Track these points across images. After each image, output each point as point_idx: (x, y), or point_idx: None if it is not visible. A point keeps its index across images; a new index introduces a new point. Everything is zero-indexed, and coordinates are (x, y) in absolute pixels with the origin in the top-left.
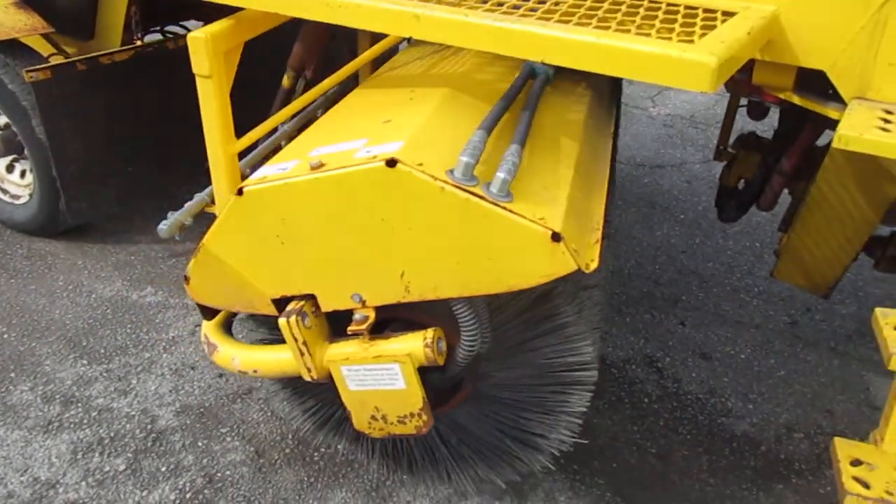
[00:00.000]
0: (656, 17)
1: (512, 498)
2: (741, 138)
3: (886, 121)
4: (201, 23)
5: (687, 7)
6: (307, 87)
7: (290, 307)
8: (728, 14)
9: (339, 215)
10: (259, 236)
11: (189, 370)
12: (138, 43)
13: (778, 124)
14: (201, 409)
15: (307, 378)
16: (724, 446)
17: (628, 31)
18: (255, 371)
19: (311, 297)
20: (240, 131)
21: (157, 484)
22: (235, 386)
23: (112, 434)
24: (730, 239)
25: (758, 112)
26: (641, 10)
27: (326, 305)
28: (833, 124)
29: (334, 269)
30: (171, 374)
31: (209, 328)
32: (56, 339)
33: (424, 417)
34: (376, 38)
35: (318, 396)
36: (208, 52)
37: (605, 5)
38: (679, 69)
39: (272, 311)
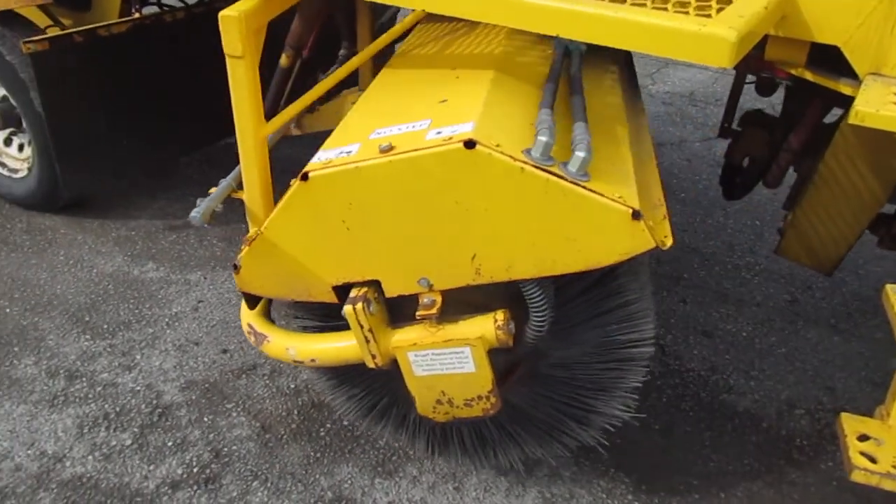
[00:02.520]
0: None
1: (516, 473)
2: (747, 115)
3: None
4: None
5: None
6: (304, 66)
7: (353, 294)
8: None
9: (412, 198)
10: (324, 222)
11: (193, 346)
12: (136, 15)
13: (784, 101)
14: (206, 385)
15: (371, 365)
16: (726, 422)
17: (644, 5)
18: (312, 360)
19: (374, 283)
20: None
21: (164, 458)
22: (240, 362)
23: (118, 409)
24: (730, 217)
25: (766, 88)
26: None
27: (391, 291)
28: (842, 101)
29: (402, 253)
30: (174, 350)
31: (255, 318)
32: (59, 314)
33: (493, 399)
34: (376, 17)
35: (365, 384)
36: (241, 31)
37: None
38: (698, 44)
39: (331, 298)
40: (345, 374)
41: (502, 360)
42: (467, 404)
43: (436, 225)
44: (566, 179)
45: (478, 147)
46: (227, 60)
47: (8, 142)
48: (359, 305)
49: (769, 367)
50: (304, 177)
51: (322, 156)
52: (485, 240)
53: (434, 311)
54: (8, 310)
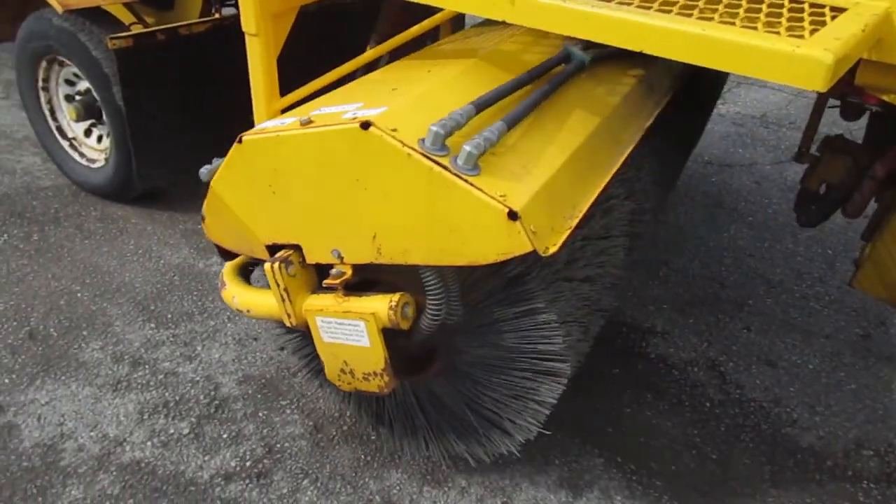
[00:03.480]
0: (760, 10)
1: (567, 492)
2: (828, 140)
3: None
4: None
5: (792, 1)
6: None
7: (277, 255)
8: (837, 10)
9: (321, 171)
10: (255, 184)
11: (252, 341)
12: (216, 16)
13: (869, 127)
14: (263, 380)
15: (287, 324)
16: (788, 458)
17: (732, 24)
18: (248, 311)
19: (298, 248)
20: None
21: (219, 450)
22: (296, 360)
23: (177, 398)
24: (800, 244)
25: (852, 113)
26: (744, 3)
27: (310, 257)
28: None
29: (317, 223)
30: (234, 344)
31: (226, 268)
32: (126, 301)
33: (386, 378)
34: (457, 23)
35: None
36: (255, 11)
37: None
38: (790, 65)
39: (266, 256)
40: (303, 335)
41: (418, 346)
42: (365, 378)
43: (342, 200)
44: (450, 171)
45: (371, 129)
46: (246, 38)
47: (88, 133)
48: (276, 265)
49: (836, 402)
50: (240, 140)
51: (268, 124)
52: (383, 221)
53: (339, 281)
54: (79, 294)
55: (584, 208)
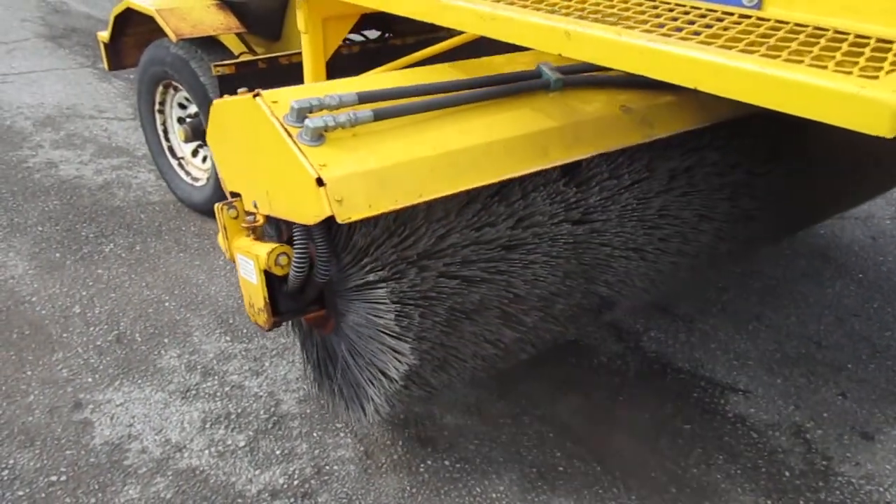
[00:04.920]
0: (839, 48)
1: None
2: None
3: None
4: (380, 32)
5: (879, 40)
6: None
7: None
8: None
9: (241, 134)
10: (221, 138)
11: None
12: None
13: None
14: (323, 401)
15: (228, 257)
16: None
17: (801, 61)
18: (225, 250)
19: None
20: None
21: (270, 466)
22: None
23: (239, 411)
24: None
25: None
26: (822, 41)
27: (245, 205)
28: None
29: (245, 176)
30: (301, 362)
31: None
32: (207, 313)
33: (265, 315)
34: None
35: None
36: (304, 13)
37: (781, 33)
38: (852, 107)
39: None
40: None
41: (310, 298)
42: (258, 312)
43: (251, 159)
44: (292, 139)
45: (257, 98)
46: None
47: (195, 153)
48: (221, 204)
49: None
50: (211, 101)
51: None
52: (269, 179)
53: (248, 225)
54: (167, 303)
55: (425, 198)
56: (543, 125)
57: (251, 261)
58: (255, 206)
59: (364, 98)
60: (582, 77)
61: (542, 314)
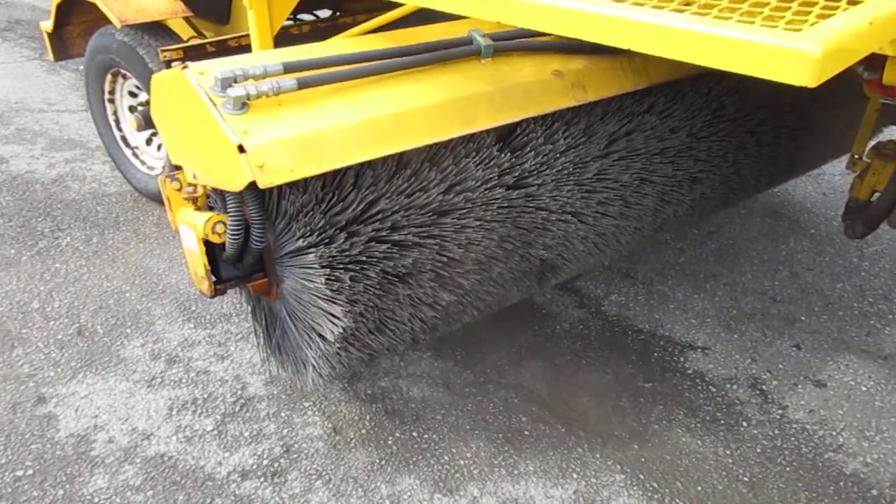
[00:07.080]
0: (768, 3)
1: None
2: (878, 146)
3: None
4: (331, 12)
5: None
6: None
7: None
8: (855, 2)
9: (175, 106)
10: (163, 110)
11: None
12: None
13: None
14: (289, 381)
15: (174, 228)
16: (829, 484)
17: (730, 18)
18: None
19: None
20: None
21: (239, 447)
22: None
23: (205, 395)
24: (865, 259)
25: (893, 116)
26: None
27: (186, 176)
28: None
29: (183, 149)
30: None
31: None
32: (169, 302)
33: (207, 283)
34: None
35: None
36: None
37: None
38: (775, 59)
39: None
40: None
41: (251, 265)
42: (201, 279)
43: (185, 131)
44: (216, 107)
45: (185, 70)
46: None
47: (149, 142)
48: (164, 177)
49: (889, 428)
50: (152, 73)
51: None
52: (201, 148)
53: (186, 195)
54: (128, 294)
55: (348, 163)
56: (472, 90)
57: (192, 230)
58: (195, 177)
59: (290, 67)
60: (514, 43)
61: (480, 277)
